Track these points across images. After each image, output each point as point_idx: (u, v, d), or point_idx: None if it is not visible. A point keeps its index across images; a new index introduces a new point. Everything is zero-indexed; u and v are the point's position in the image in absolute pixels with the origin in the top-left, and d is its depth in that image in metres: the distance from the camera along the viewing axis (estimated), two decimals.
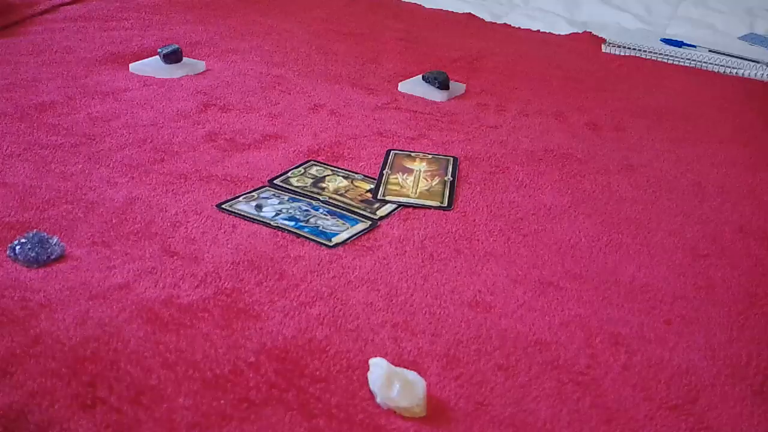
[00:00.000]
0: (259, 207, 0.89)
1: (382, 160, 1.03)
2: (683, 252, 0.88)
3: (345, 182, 0.96)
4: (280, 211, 0.88)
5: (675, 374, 0.68)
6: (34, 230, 0.78)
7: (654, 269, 0.84)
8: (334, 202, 0.92)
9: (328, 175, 0.98)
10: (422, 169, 1.01)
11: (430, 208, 0.92)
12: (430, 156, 1.05)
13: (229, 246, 0.81)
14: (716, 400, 0.65)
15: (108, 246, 0.79)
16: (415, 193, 0.95)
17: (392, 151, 1.06)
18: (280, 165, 1.00)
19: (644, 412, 0.63)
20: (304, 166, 1.00)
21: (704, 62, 1.59)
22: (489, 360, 0.67)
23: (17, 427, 0.56)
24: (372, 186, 0.96)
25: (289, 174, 0.97)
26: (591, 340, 0.71)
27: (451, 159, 1.05)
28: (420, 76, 1.32)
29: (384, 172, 1.00)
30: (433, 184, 0.97)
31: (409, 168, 1.01)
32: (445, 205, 0.93)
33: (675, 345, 0.71)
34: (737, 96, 1.43)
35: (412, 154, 1.05)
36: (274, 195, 0.92)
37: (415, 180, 0.98)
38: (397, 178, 0.98)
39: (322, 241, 0.83)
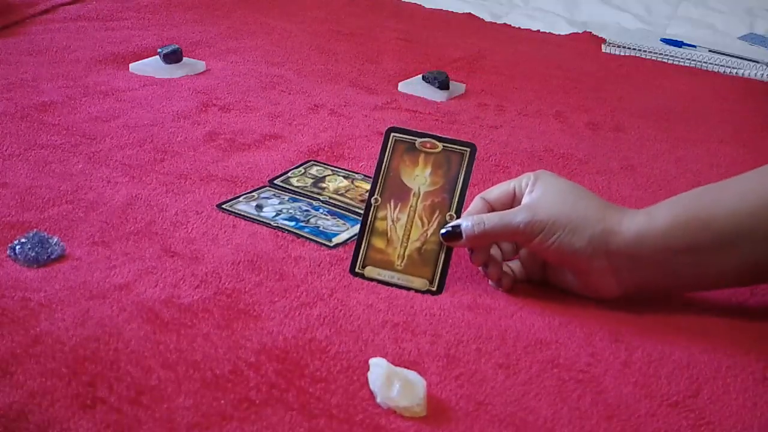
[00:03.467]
0: (259, 207, 0.89)
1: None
2: None
3: (345, 182, 0.96)
4: (281, 211, 0.88)
5: (676, 369, 0.68)
6: (34, 230, 0.78)
7: None
8: (334, 202, 0.92)
9: (329, 175, 0.98)
10: (424, 187, 0.80)
11: (416, 291, 0.76)
12: (439, 149, 0.81)
13: (229, 246, 0.81)
14: (718, 393, 0.65)
15: (108, 246, 0.79)
16: (402, 260, 0.78)
17: (393, 135, 0.82)
18: (280, 165, 1.00)
19: (645, 408, 0.63)
20: (304, 166, 1.00)
21: (704, 62, 1.59)
22: (489, 359, 0.67)
23: (17, 427, 0.56)
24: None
25: (289, 174, 0.97)
26: (591, 338, 0.71)
27: (467, 155, 0.81)
28: (420, 76, 1.33)
29: (372, 202, 0.80)
30: (429, 234, 0.78)
31: (407, 188, 0.80)
32: (434, 288, 0.77)
33: (675, 339, 0.71)
34: (737, 96, 1.43)
35: (417, 143, 0.81)
36: (274, 195, 0.92)
37: (407, 227, 0.79)
38: (384, 218, 0.79)
39: (322, 241, 0.83)
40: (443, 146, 0.82)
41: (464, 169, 0.80)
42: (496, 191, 0.78)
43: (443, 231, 0.77)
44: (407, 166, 0.81)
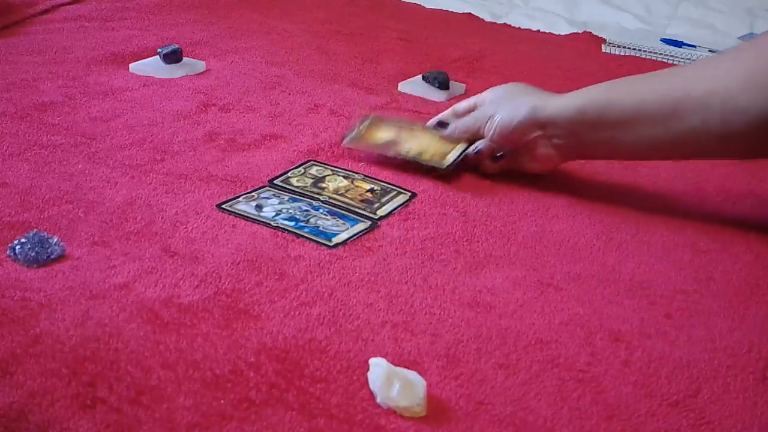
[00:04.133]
0: (259, 207, 0.89)
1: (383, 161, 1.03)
2: (683, 248, 0.88)
3: (345, 182, 0.96)
4: (280, 211, 0.88)
5: (676, 368, 0.68)
6: (34, 230, 0.78)
7: (654, 266, 0.84)
8: (334, 202, 0.92)
9: (328, 175, 0.98)
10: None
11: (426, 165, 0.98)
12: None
13: (229, 246, 0.81)
14: (718, 392, 0.65)
15: (108, 246, 0.79)
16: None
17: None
18: (280, 165, 1.00)
19: (645, 408, 0.63)
20: (304, 166, 1.00)
21: None
22: (489, 359, 0.67)
23: (17, 427, 0.56)
24: (373, 186, 0.96)
25: (289, 174, 0.97)
26: (591, 337, 0.71)
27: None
28: (420, 76, 1.32)
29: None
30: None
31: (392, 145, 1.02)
32: (443, 168, 0.99)
33: (675, 339, 0.72)
34: None
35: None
36: (274, 195, 0.92)
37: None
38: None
39: (322, 241, 0.83)
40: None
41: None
42: (464, 104, 1.02)
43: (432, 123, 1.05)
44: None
